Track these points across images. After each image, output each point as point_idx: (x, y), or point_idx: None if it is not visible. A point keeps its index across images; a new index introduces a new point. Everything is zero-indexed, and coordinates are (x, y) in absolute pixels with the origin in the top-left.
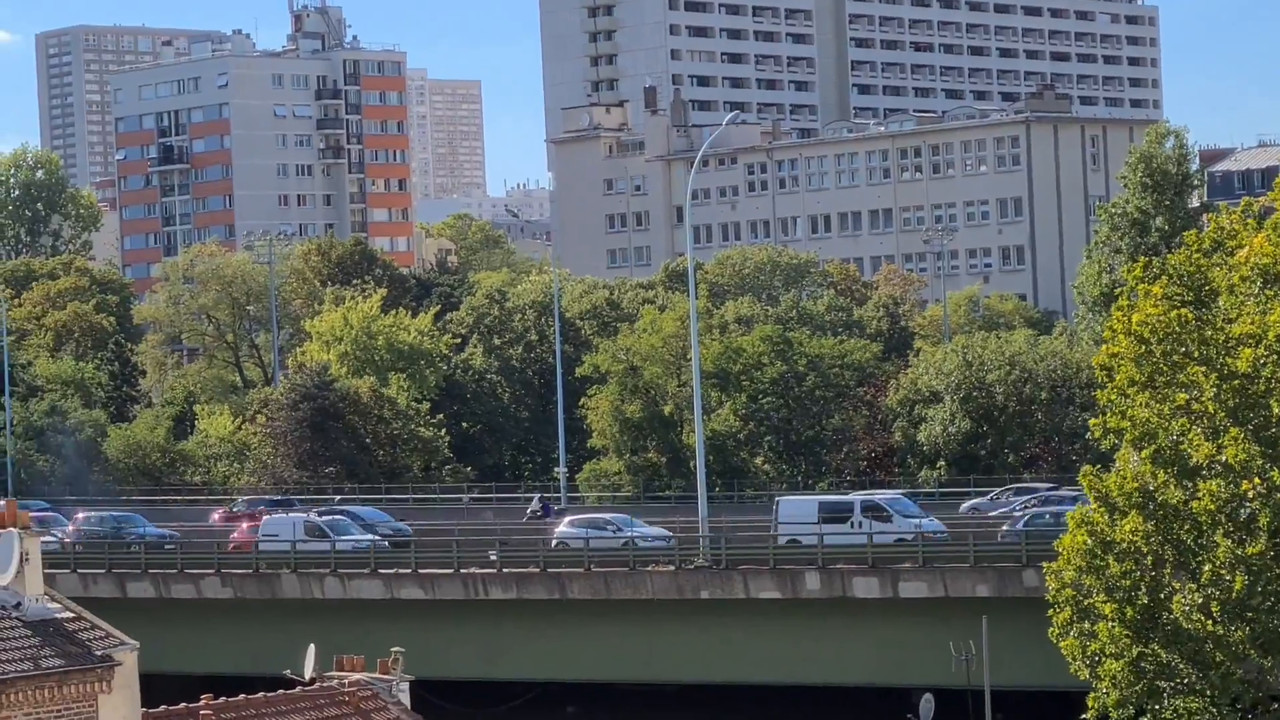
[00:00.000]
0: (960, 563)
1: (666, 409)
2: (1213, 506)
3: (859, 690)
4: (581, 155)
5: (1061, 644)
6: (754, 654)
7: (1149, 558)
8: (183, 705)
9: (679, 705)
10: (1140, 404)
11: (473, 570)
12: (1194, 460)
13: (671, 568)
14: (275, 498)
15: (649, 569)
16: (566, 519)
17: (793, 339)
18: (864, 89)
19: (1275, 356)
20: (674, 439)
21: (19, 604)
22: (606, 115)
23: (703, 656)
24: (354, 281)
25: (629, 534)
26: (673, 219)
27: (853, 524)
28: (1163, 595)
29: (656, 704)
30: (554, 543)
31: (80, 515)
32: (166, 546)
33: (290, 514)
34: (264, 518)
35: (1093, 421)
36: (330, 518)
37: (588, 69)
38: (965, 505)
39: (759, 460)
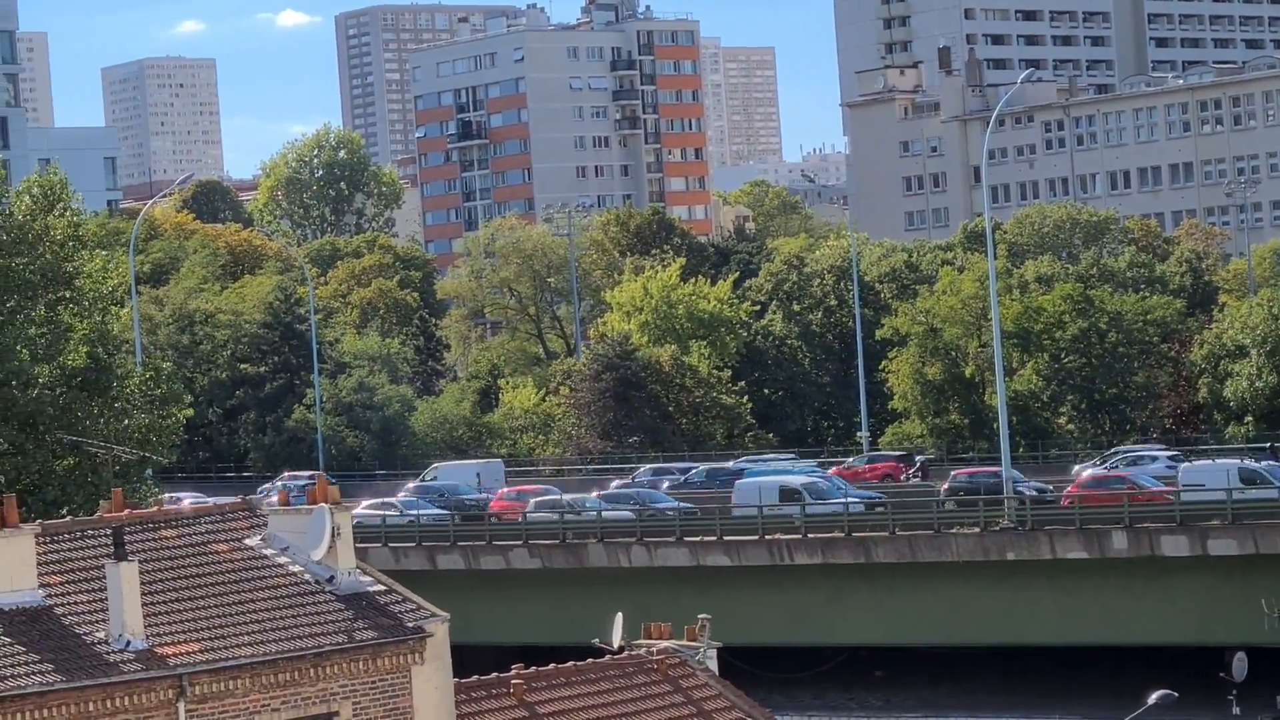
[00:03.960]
0: (1271, 519)
1: (967, 370)
2: None
3: (1169, 650)
4: (877, 118)
5: None
6: (1061, 615)
7: None
8: (494, 675)
9: (986, 668)
10: None
11: (778, 536)
12: None
13: (976, 530)
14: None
15: (954, 531)
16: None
17: (1094, 296)
18: (1161, 42)
19: None
20: (976, 400)
21: (332, 578)
22: (901, 77)
23: (1009, 618)
24: (653, 251)
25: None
26: (970, 179)
27: None
28: None
29: (964, 666)
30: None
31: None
32: (877, 509)
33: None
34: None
35: None
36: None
37: (881, 31)
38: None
39: (1062, 419)
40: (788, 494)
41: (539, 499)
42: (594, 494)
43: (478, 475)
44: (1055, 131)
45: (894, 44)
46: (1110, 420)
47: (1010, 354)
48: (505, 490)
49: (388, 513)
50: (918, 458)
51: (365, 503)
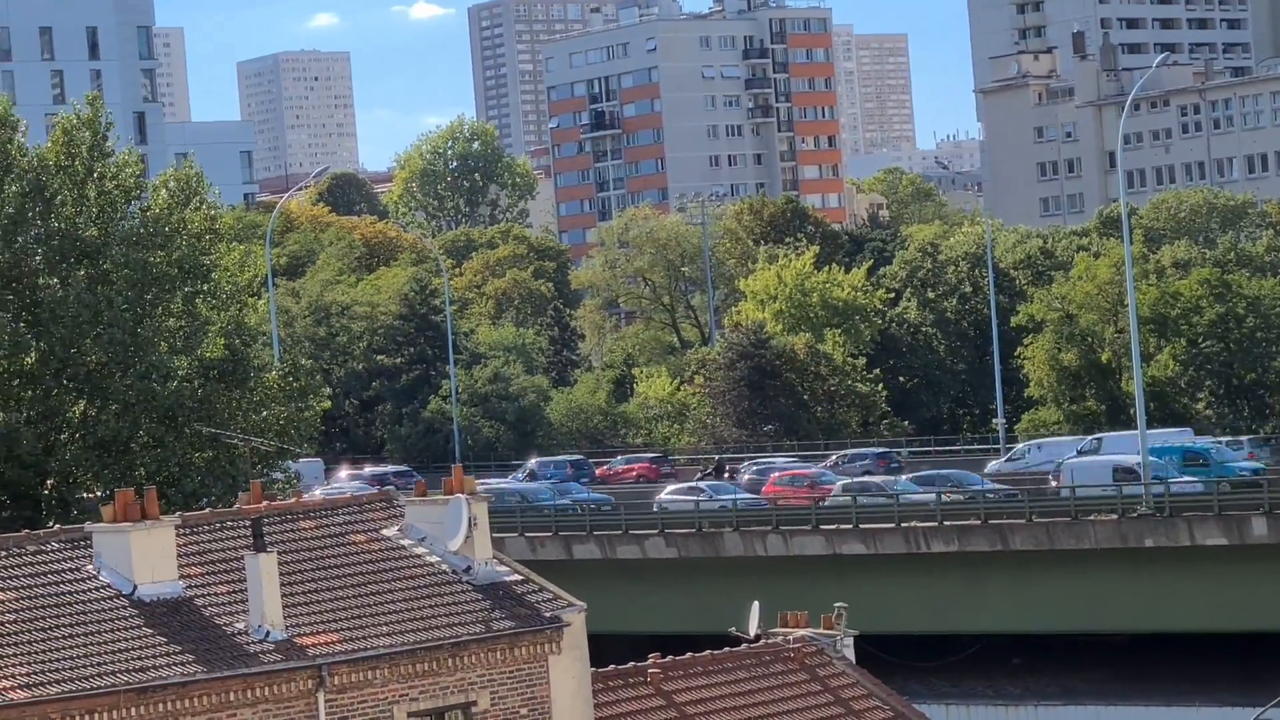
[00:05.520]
0: None
1: (1104, 356)
2: None
3: None
4: (1011, 104)
5: None
6: (1200, 602)
7: None
8: (631, 664)
9: (1126, 655)
10: None
11: (914, 524)
12: None
13: (1114, 516)
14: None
15: (1091, 519)
16: None
17: (1231, 281)
18: None
19: None
20: (1112, 386)
21: (469, 568)
22: (1035, 63)
23: (1148, 605)
24: (786, 239)
25: None
26: (1105, 164)
27: None
28: None
29: (1102, 654)
30: None
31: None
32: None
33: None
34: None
35: None
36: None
37: (1014, 16)
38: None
39: (1200, 405)
40: (1122, 473)
41: (845, 483)
42: (904, 477)
43: (297, 473)
44: (1191, 115)
45: (1027, 29)
46: (1249, 406)
47: (1147, 340)
48: (777, 475)
49: (698, 497)
50: (669, 459)
51: (670, 487)
